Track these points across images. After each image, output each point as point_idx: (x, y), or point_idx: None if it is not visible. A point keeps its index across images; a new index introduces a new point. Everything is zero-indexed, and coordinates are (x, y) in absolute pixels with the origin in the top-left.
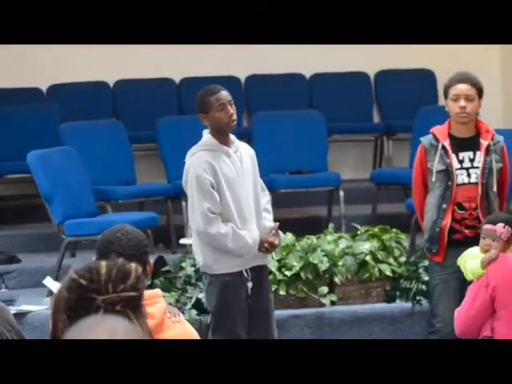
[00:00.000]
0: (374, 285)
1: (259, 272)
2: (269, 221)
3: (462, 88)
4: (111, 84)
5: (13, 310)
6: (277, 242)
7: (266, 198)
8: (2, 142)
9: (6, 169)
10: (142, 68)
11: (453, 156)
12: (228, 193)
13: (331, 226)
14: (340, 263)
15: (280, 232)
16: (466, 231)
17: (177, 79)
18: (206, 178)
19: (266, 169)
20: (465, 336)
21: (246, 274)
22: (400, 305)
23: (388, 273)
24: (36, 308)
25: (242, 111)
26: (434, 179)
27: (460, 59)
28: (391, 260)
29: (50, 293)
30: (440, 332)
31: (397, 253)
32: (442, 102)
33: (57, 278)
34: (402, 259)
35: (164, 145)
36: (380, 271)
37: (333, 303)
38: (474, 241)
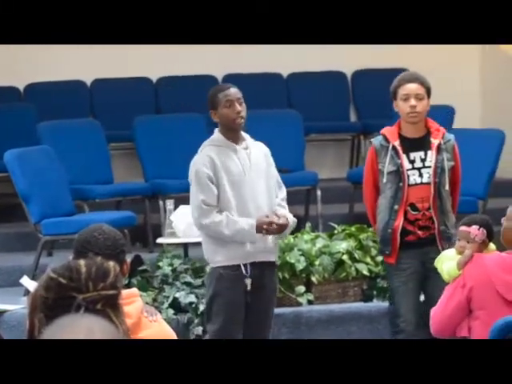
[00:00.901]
0: (350, 284)
1: (263, 269)
2: None
3: (412, 87)
4: (88, 83)
5: None
6: (278, 221)
7: (281, 195)
8: None
9: None
10: (120, 67)
11: (403, 156)
12: (229, 188)
13: (308, 225)
14: (317, 262)
15: (291, 215)
16: (420, 232)
17: (154, 78)
18: (204, 172)
19: None
20: (440, 335)
21: (243, 270)
22: (377, 304)
23: (365, 272)
24: (13, 307)
25: None
26: (385, 180)
27: (437, 59)
28: (368, 259)
29: (27, 292)
30: (404, 332)
31: (374, 252)
32: None
33: (34, 277)
34: (379, 258)
35: (141, 144)
36: (357, 270)
37: (310, 302)
38: (427, 243)
